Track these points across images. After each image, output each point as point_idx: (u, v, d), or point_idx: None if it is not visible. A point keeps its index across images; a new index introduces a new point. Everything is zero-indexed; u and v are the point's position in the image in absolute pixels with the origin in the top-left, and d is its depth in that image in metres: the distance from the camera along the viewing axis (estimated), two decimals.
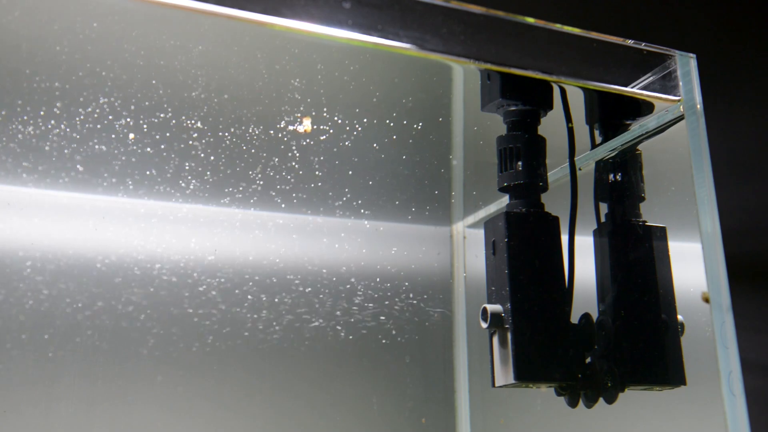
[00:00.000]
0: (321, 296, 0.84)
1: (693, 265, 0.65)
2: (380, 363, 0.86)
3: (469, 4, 0.60)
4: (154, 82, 0.68)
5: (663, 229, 0.70)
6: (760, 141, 1.16)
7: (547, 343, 0.62)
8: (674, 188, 0.71)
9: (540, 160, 0.67)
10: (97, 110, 0.69)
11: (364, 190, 0.85)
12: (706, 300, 0.63)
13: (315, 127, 0.76)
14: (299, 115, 0.74)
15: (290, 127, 0.76)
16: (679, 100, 0.68)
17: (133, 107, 0.69)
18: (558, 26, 0.64)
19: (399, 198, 0.88)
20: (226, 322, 0.79)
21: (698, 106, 0.67)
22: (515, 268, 0.63)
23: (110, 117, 0.70)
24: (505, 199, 0.69)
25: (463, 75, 0.68)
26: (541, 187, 0.66)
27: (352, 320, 0.85)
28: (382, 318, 0.86)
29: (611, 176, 0.73)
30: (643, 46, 0.68)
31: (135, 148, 0.73)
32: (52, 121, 0.68)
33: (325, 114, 0.75)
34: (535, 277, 0.63)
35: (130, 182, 0.76)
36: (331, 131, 0.77)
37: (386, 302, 0.87)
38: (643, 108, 0.69)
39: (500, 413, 0.90)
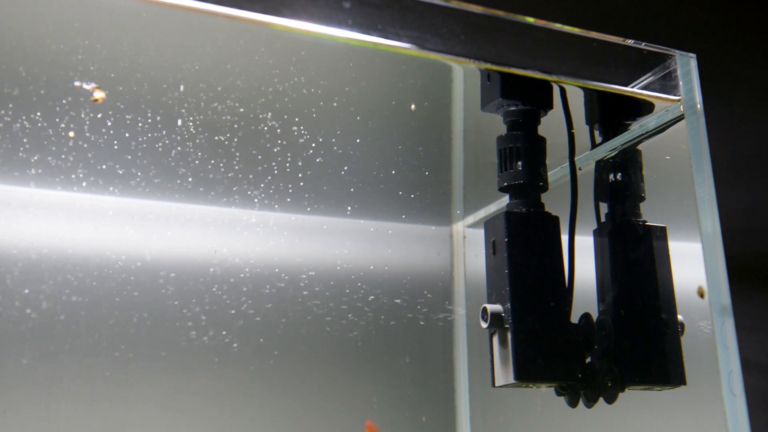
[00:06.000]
0: (321, 296, 0.84)
1: (693, 265, 0.65)
2: (380, 363, 0.86)
3: (469, 4, 0.60)
4: (155, 81, 0.68)
5: (663, 229, 0.70)
6: (760, 141, 1.16)
7: (547, 343, 0.62)
8: (674, 188, 0.71)
9: (540, 160, 0.67)
10: (98, 110, 0.69)
11: (363, 190, 0.85)
12: (701, 295, 0.63)
13: (317, 128, 0.76)
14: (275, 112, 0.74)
15: (279, 126, 0.76)
16: (679, 100, 0.68)
17: (133, 107, 0.69)
18: (558, 26, 0.64)
19: (399, 198, 0.88)
20: (226, 322, 0.79)
21: (698, 106, 0.67)
22: (515, 268, 0.63)
23: (111, 117, 0.70)
24: (505, 199, 0.69)
25: (463, 75, 0.68)
26: (541, 187, 0.66)
27: (352, 320, 0.85)
28: (382, 318, 0.86)
29: (611, 176, 0.73)
30: (643, 46, 0.68)
31: (135, 148, 0.73)
32: (53, 121, 0.68)
33: (325, 114, 0.75)
34: (535, 277, 0.63)
35: (130, 182, 0.76)
36: (331, 131, 0.77)
37: (386, 302, 0.87)
38: (643, 108, 0.69)
39: (500, 413, 0.90)
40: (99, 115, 0.69)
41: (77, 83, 0.63)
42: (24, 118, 0.68)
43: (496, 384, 0.62)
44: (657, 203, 0.72)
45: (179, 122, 0.72)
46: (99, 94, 0.61)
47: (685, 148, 0.67)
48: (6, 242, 0.73)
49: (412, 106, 0.70)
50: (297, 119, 0.75)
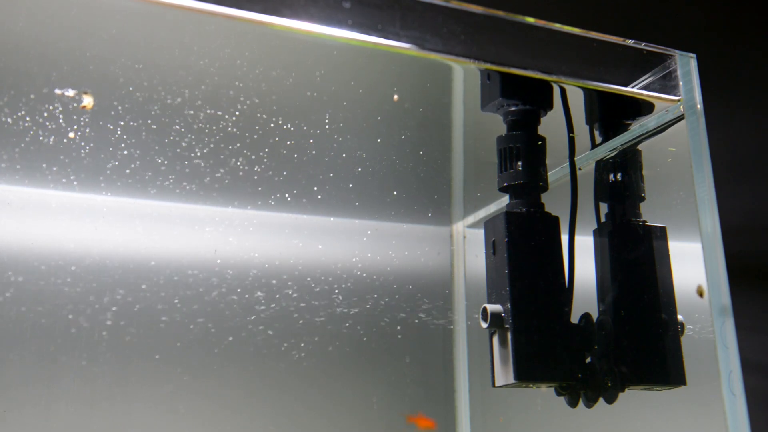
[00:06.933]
0: (321, 296, 0.84)
1: (693, 265, 0.65)
2: (380, 363, 0.86)
3: (469, 4, 0.60)
4: (154, 82, 0.68)
5: (663, 229, 0.70)
6: (760, 141, 1.16)
7: (547, 343, 0.62)
8: (674, 188, 0.71)
9: (540, 160, 0.67)
10: (99, 110, 0.69)
11: (364, 190, 0.85)
12: (701, 294, 0.63)
13: (317, 128, 0.76)
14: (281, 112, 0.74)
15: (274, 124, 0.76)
16: (679, 100, 0.68)
17: (133, 107, 0.69)
18: (558, 26, 0.64)
19: (399, 198, 0.88)
20: (226, 322, 0.79)
21: (698, 106, 0.67)
22: (515, 268, 0.63)
23: (111, 117, 0.70)
24: (505, 199, 0.69)
25: (463, 75, 0.68)
26: (541, 187, 0.66)
27: (352, 320, 0.85)
28: (383, 318, 0.86)
29: (611, 176, 0.73)
30: (643, 46, 0.68)
31: (135, 148, 0.73)
32: (52, 121, 0.68)
33: (325, 114, 0.75)
34: (535, 277, 0.63)
35: (130, 182, 0.76)
36: (332, 131, 0.77)
37: (386, 302, 0.87)
38: (643, 108, 0.69)
39: (500, 413, 0.90)
40: (100, 116, 0.69)
41: (58, 91, 0.63)
42: (24, 118, 0.68)
43: (496, 384, 0.62)
44: (657, 203, 0.72)
45: (180, 122, 0.72)
46: (87, 101, 0.61)
47: (673, 151, 0.67)
48: (6, 242, 0.73)
49: (395, 96, 0.70)
50: (297, 119, 0.75)
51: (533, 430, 0.89)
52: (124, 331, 0.75)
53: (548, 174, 0.68)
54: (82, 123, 0.69)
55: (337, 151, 0.80)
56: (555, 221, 0.66)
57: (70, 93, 0.62)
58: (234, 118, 0.73)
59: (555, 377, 0.62)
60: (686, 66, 0.68)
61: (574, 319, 0.65)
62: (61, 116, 0.68)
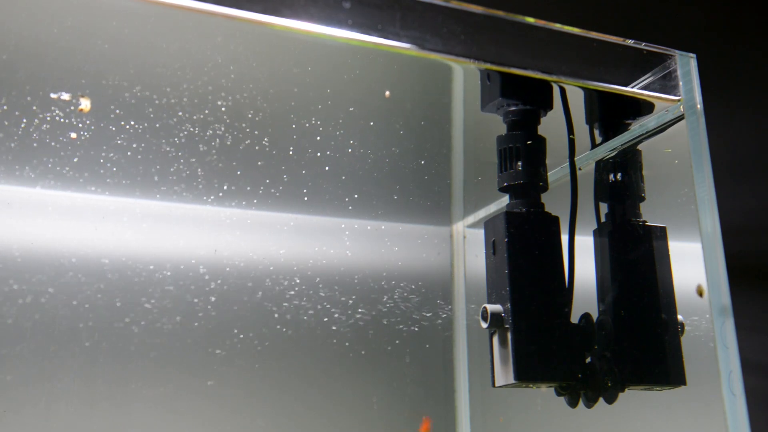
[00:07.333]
0: (321, 296, 0.84)
1: (693, 265, 0.65)
2: (380, 363, 0.86)
3: (469, 4, 0.60)
4: (154, 82, 0.68)
5: (663, 229, 0.70)
6: (760, 141, 1.16)
7: (547, 343, 0.62)
8: (674, 188, 0.71)
9: (540, 160, 0.67)
10: (99, 110, 0.69)
11: (364, 190, 0.85)
12: (700, 294, 0.64)
13: (317, 128, 0.76)
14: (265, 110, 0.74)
15: (297, 128, 0.76)
16: (679, 100, 0.68)
17: (133, 107, 0.69)
18: (558, 26, 0.64)
19: (399, 198, 0.88)
20: (226, 322, 0.79)
21: (698, 106, 0.67)
22: (515, 268, 0.63)
23: (111, 117, 0.70)
24: (505, 199, 0.69)
25: (463, 75, 0.68)
26: (541, 187, 0.66)
27: (352, 320, 0.85)
28: (382, 318, 0.86)
29: (611, 176, 0.73)
30: (643, 46, 0.68)
31: (135, 148, 0.73)
32: (52, 121, 0.68)
33: (325, 114, 0.75)
34: (535, 277, 0.63)
35: (130, 182, 0.76)
36: (332, 131, 0.77)
37: (386, 302, 0.87)
38: (643, 108, 0.69)
39: (500, 413, 0.90)
40: (100, 116, 0.69)
41: (54, 95, 0.63)
42: (24, 118, 0.68)
43: (496, 384, 0.62)
44: (657, 203, 0.72)
45: (179, 123, 0.72)
46: (85, 103, 0.61)
47: (669, 152, 0.67)
48: (6, 242, 0.73)
49: (387, 93, 0.70)
50: (297, 120, 0.75)
51: (533, 430, 0.89)
52: (125, 330, 0.75)
53: (548, 174, 0.68)
54: (81, 124, 0.69)
55: (337, 151, 0.80)
56: (555, 221, 0.66)
57: (66, 96, 0.62)
58: (233, 119, 0.73)
59: (555, 377, 0.62)
60: (686, 66, 0.68)
61: (574, 319, 0.65)
62: (60, 117, 0.68)
